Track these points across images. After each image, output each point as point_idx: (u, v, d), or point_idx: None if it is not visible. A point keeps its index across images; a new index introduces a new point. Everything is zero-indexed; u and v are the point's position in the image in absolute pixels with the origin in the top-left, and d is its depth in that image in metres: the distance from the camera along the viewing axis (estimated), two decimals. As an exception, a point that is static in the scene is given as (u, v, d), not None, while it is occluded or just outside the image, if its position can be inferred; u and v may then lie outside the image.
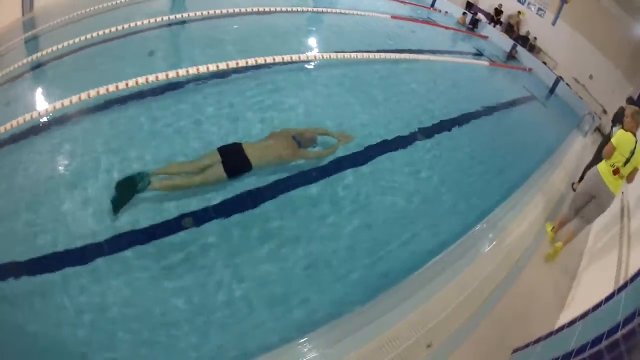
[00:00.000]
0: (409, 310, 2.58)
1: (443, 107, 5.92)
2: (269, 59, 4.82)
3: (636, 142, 3.67)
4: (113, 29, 5.20)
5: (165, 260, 2.73)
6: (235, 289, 2.69)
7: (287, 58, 5.00)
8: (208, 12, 5.97)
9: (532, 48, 11.14)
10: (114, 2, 6.42)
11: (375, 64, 6.39)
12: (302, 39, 6.66)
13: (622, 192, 4.56)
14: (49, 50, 4.91)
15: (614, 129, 5.26)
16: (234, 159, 3.21)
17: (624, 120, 3.95)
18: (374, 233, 3.39)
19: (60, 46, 4.92)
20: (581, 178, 5.88)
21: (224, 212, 3.19)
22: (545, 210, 4.49)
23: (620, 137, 3.71)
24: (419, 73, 6.80)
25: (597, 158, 5.67)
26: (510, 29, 11.69)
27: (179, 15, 5.99)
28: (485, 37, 11.31)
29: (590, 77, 9.99)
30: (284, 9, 7.31)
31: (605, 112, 9.32)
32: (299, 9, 7.62)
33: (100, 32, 5.11)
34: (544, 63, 10.75)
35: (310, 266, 2.97)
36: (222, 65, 4.40)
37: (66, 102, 3.72)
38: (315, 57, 5.81)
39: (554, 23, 10.72)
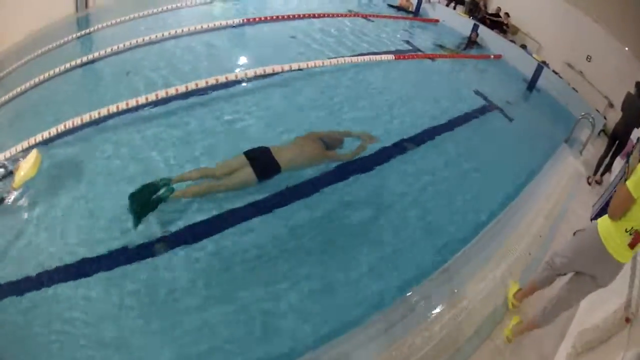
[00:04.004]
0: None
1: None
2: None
3: None
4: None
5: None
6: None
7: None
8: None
9: (507, 29, 8.96)
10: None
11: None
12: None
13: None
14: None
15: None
16: (262, 162, 3.22)
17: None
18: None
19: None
20: (597, 169, 4.95)
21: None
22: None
23: None
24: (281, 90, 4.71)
25: (611, 144, 4.96)
26: (476, 8, 9.45)
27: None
28: (436, 21, 8.81)
29: (588, 58, 7.90)
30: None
31: (611, 105, 7.29)
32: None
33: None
34: (524, 47, 8.48)
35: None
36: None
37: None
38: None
39: (532, -7, 8.74)
